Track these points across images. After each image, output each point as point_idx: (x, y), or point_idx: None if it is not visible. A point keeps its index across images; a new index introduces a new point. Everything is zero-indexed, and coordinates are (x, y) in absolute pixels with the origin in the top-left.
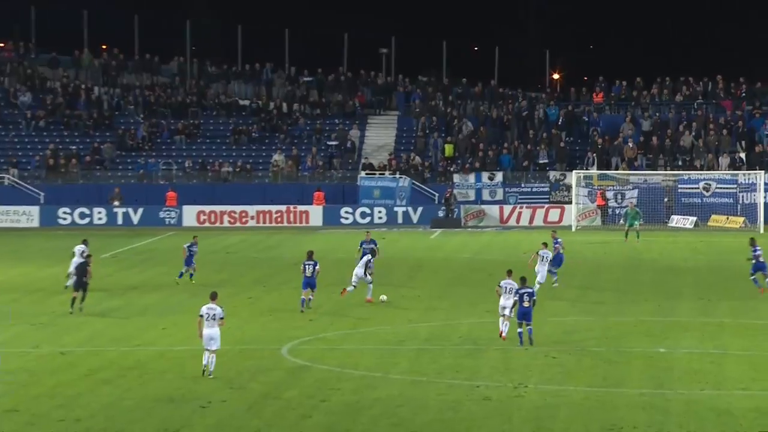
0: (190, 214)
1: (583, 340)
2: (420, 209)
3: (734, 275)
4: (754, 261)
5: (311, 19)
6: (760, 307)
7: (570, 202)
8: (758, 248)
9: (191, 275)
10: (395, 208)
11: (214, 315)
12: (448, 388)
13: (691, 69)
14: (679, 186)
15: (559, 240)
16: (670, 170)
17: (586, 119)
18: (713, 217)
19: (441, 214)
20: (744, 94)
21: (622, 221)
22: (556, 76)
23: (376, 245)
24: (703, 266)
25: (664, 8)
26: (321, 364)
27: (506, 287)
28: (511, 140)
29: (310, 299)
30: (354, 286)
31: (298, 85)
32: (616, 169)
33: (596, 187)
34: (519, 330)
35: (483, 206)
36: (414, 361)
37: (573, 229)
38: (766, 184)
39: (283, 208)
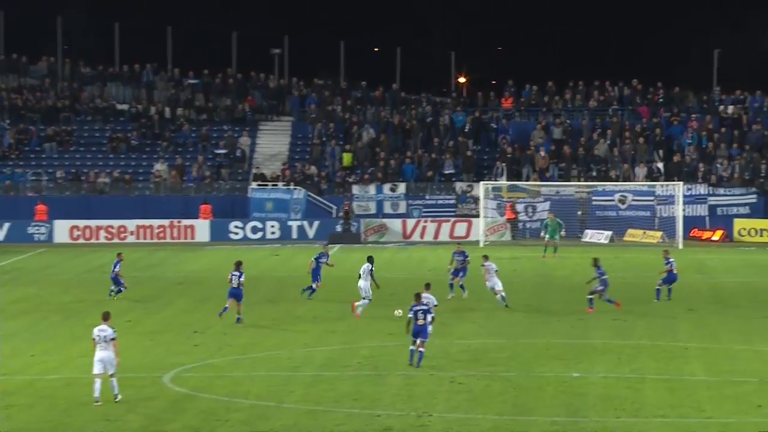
0: (62, 229)
1: (491, 364)
2: (316, 223)
3: (652, 294)
4: (666, 273)
5: (196, 16)
6: (678, 327)
7: (478, 216)
8: (671, 259)
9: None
10: (289, 222)
11: (105, 337)
12: (347, 418)
13: (606, 73)
14: (594, 198)
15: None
16: (584, 181)
17: (495, 126)
18: (629, 231)
19: (339, 228)
20: (661, 100)
21: (542, 233)
22: (462, 80)
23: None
24: (618, 284)
25: (577, 8)
26: (207, 393)
27: (425, 302)
28: (414, 149)
29: (238, 316)
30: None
31: (182, 87)
32: (527, 179)
33: (506, 200)
34: (411, 347)
35: (384, 220)
36: (309, 388)
37: (481, 244)
38: (685, 196)
39: (166, 222)
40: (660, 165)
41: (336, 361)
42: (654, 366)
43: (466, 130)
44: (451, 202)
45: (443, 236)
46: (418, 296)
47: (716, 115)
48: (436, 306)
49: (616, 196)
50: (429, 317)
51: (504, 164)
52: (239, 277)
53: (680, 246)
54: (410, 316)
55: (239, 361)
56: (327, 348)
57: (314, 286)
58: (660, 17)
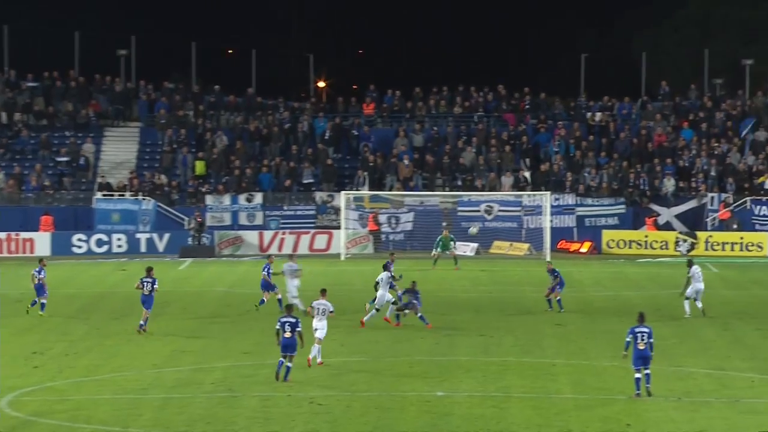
0: None
1: (352, 383)
2: (167, 236)
3: (519, 309)
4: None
5: (34, 14)
6: (545, 343)
7: (338, 227)
8: (556, 271)
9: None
10: (137, 235)
11: None
12: None
13: (471, 78)
14: (459, 209)
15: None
16: (449, 191)
17: (356, 133)
18: (495, 243)
19: (191, 241)
20: (528, 106)
21: (434, 249)
22: (321, 85)
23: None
24: (484, 299)
25: (441, 11)
26: (47, 419)
27: (318, 308)
28: (271, 157)
29: (142, 323)
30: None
31: (20, 91)
32: (390, 189)
33: (368, 210)
34: (280, 360)
35: (240, 232)
36: (159, 411)
37: (342, 257)
38: (552, 206)
39: (3, 235)
40: (527, 174)
41: (188, 383)
42: (520, 384)
43: (327, 137)
44: (311, 212)
45: (302, 249)
46: (289, 308)
47: (584, 122)
48: (332, 312)
49: (482, 207)
50: (297, 330)
51: (366, 173)
52: (152, 283)
53: (548, 258)
54: (277, 327)
55: (82, 384)
56: (178, 369)
57: (265, 297)
58: (526, 22)
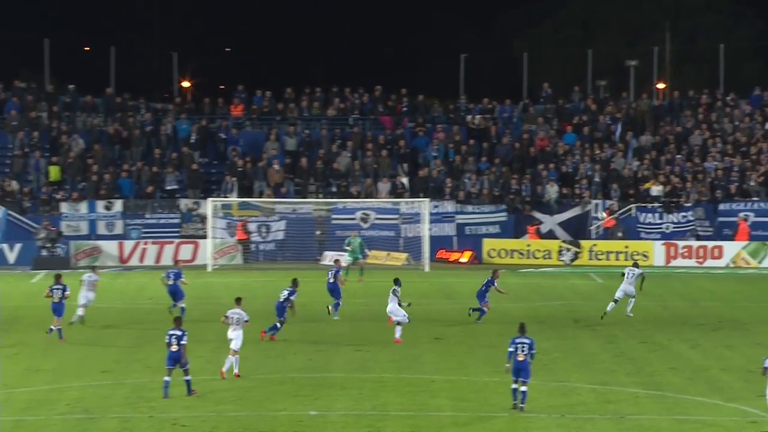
0: None
1: (219, 402)
2: (18, 246)
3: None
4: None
5: None
6: (423, 357)
7: (205, 237)
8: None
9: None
10: None
11: None
12: None
13: (346, 79)
14: (334, 216)
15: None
16: (323, 197)
17: (224, 137)
18: (372, 252)
19: (44, 252)
20: (405, 109)
21: (347, 259)
22: (186, 84)
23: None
24: (361, 311)
25: (315, 6)
26: None
27: (232, 317)
28: (132, 161)
29: (52, 327)
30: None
31: None
32: (260, 196)
33: (236, 218)
34: (166, 378)
35: (98, 242)
36: None
37: (209, 268)
38: (431, 214)
39: None
40: (405, 180)
41: (41, 404)
42: (398, 401)
43: (192, 141)
44: (176, 221)
45: (166, 260)
46: (177, 320)
47: (464, 125)
48: (246, 321)
49: (358, 215)
50: (182, 344)
51: (234, 179)
52: (63, 290)
53: (426, 269)
54: (166, 341)
55: None
56: (30, 389)
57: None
58: (403, 20)
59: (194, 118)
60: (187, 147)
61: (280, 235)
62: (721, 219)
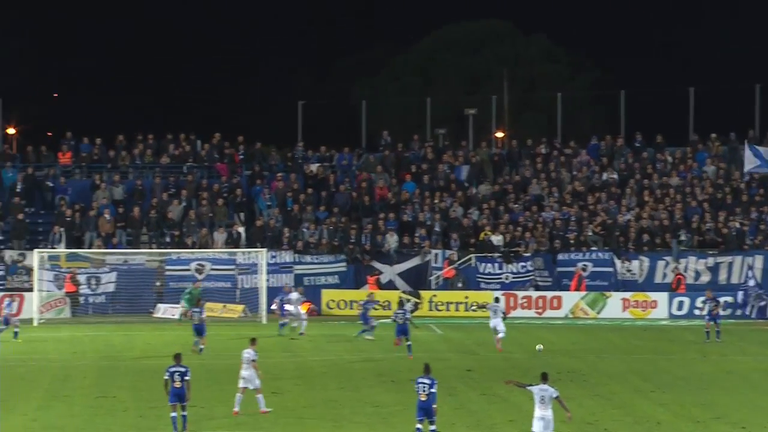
0: None
1: None
2: None
3: (234, 376)
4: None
5: None
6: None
7: (31, 289)
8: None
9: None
10: None
11: None
12: None
13: (181, 126)
14: (167, 267)
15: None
16: (156, 248)
17: (51, 185)
18: (208, 305)
19: None
20: (242, 157)
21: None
22: (11, 131)
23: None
24: (198, 369)
25: (147, 49)
26: None
27: (245, 356)
28: None
29: None
30: None
31: None
32: (90, 246)
33: (65, 270)
34: (172, 414)
35: None
36: None
37: (35, 322)
38: (269, 264)
39: None
40: (241, 230)
41: None
42: None
43: (18, 190)
44: (0, 273)
45: None
46: (177, 357)
47: (301, 173)
48: (254, 361)
49: (193, 265)
50: (185, 379)
51: (63, 229)
52: None
53: (264, 320)
54: (166, 378)
55: None
56: None
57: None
58: (240, 65)
59: (20, 166)
60: (13, 196)
61: (111, 287)
62: (559, 269)
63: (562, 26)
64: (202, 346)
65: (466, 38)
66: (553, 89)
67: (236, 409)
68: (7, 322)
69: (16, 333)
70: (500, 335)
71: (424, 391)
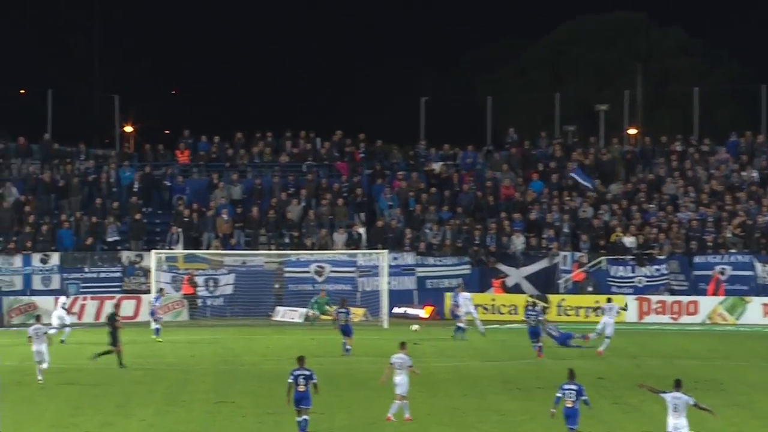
0: None
1: None
2: None
3: (353, 382)
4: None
5: None
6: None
7: (149, 291)
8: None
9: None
10: None
11: None
12: None
13: (300, 123)
14: (286, 269)
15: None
16: (275, 249)
17: (169, 184)
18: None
19: None
20: (363, 155)
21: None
22: (128, 129)
23: None
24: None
25: (268, 47)
26: None
27: (396, 362)
28: (71, 211)
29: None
30: None
31: None
32: (208, 248)
33: (182, 272)
34: (298, 419)
35: (33, 298)
36: None
37: (152, 325)
38: (390, 266)
39: None
40: (362, 230)
41: None
42: None
43: (135, 189)
44: (117, 275)
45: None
46: (300, 360)
47: (424, 172)
48: (410, 367)
49: (312, 267)
50: (312, 382)
51: (180, 229)
52: None
53: (385, 325)
54: (290, 381)
55: None
56: None
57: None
58: (361, 62)
59: (137, 166)
60: (130, 196)
61: (229, 290)
62: (696, 272)
63: (699, 18)
64: (349, 347)
65: (598, 31)
66: (689, 84)
67: (389, 414)
68: (153, 314)
69: (157, 330)
70: (606, 341)
71: (570, 397)
